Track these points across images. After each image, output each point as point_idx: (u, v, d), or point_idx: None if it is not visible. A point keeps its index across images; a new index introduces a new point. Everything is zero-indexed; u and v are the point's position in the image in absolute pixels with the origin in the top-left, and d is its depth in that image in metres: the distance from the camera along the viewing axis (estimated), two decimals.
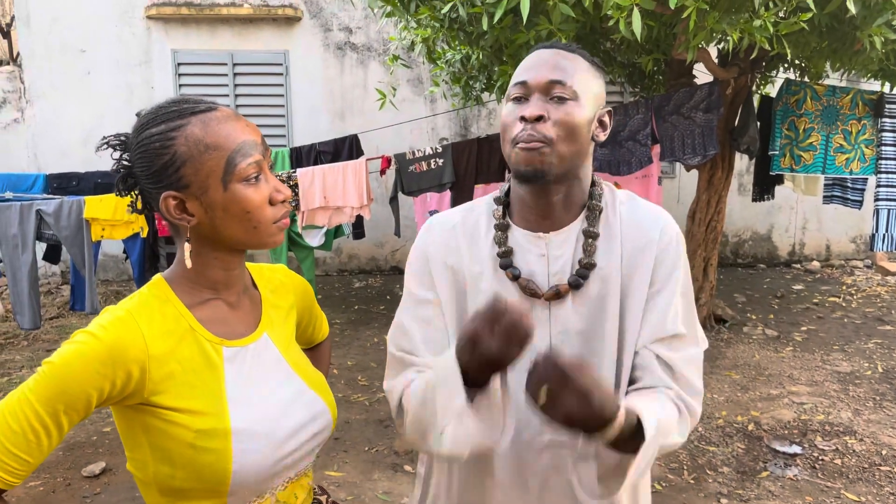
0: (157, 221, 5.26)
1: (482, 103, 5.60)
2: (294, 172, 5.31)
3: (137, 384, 1.02)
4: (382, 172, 5.44)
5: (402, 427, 1.21)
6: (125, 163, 1.09)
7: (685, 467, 3.61)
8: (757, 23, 3.19)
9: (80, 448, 3.95)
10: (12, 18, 8.28)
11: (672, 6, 2.81)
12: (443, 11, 3.36)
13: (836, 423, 4.08)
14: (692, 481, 3.47)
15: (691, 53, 3.50)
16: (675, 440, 1.16)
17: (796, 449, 3.76)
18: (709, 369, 4.99)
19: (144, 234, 5.24)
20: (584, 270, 1.20)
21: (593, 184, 1.27)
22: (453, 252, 1.29)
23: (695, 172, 6.00)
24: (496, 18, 3.08)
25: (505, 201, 1.30)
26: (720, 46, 5.46)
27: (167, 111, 1.05)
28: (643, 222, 1.24)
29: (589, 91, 1.18)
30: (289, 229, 5.73)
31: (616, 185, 5.92)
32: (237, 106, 7.82)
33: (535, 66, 1.19)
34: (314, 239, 5.72)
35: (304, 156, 5.85)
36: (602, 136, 1.22)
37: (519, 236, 1.25)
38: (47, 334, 6.11)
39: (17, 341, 5.98)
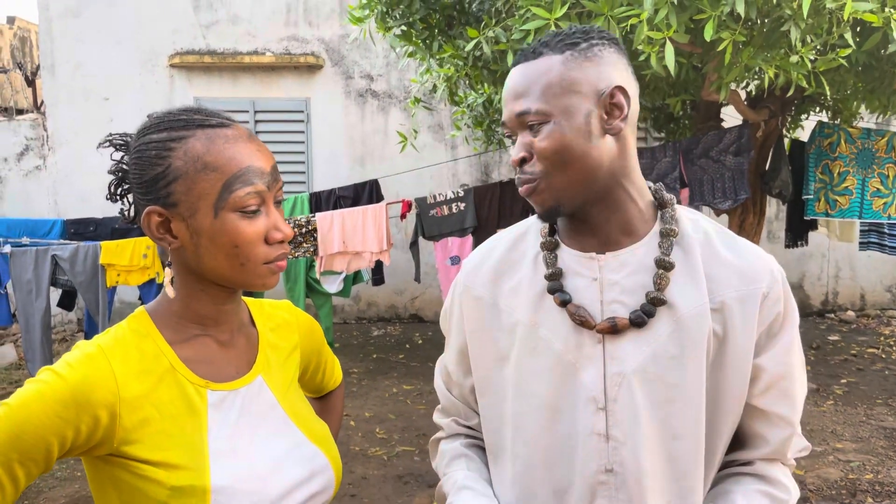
0: None
1: (504, 147, 5.49)
2: (313, 217, 5.21)
3: (106, 431, 0.89)
4: (403, 217, 5.32)
5: (433, 460, 1.25)
6: (123, 166, 0.99)
7: None
8: (794, 59, 3.06)
9: (85, 502, 3.76)
10: (37, 67, 8.41)
11: (707, 38, 2.68)
12: (466, 49, 3.27)
13: (886, 483, 3.81)
14: None
15: (724, 92, 3.37)
16: None
17: None
18: None
19: (160, 280, 5.14)
20: (650, 307, 1.00)
21: (662, 203, 1.08)
22: (486, 284, 1.14)
23: (724, 217, 5.82)
24: None
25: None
26: (749, 90, 5.36)
27: (174, 118, 0.95)
28: (745, 266, 1.03)
29: (567, 91, 0.98)
30: (307, 275, 5.61)
31: None
32: None
33: (504, 99, 1.05)
34: (332, 285, 5.58)
35: (323, 201, 5.75)
36: (620, 123, 1.00)
37: (569, 257, 1.07)
38: None
39: None
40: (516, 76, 1.02)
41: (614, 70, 1.01)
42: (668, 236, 1.03)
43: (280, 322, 1.15)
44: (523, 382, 1.07)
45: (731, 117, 5.43)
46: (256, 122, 7.79)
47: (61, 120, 7.78)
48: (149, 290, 5.20)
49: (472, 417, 1.21)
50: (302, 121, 7.88)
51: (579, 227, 1.07)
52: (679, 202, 5.17)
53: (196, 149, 0.91)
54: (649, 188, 1.10)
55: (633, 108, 1.02)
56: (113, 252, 4.98)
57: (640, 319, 1.00)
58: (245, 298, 1.12)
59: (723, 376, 1.02)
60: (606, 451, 1.01)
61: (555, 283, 1.06)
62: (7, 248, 4.99)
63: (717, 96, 3.94)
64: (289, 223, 5.18)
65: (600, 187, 1.01)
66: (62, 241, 5.84)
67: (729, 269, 1.03)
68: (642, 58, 2.92)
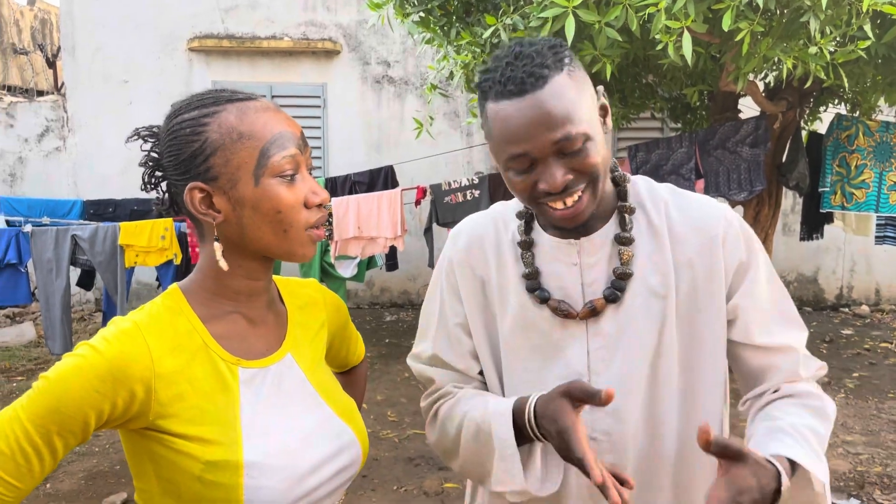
0: (190, 249, 5.23)
1: None
2: (329, 202, 5.26)
3: (142, 405, 0.90)
4: (417, 203, 5.35)
5: (430, 427, 1.22)
6: (154, 154, 1.00)
7: None
8: (812, 50, 3.05)
9: (102, 477, 3.85)
10: (58, 49, 8.49)
11: (725, 27, 2.68)
12: (484, 36, 3.28)
13: (895, 476, 3.81)
14: None
15: (741, 83, 3.36)
16: (825, 441, 1.05)
17: (854, 502, 3.50)
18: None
19: (178, 262, 5.21)
20: (620, 282, 1.08)
21: (617, 181, 1.13)
22: (481, 264, 1.19)
23: (740, 209, 5.81)
24: None
25: (528, 213, 1.17)
26: (767, 81, 5.33)
27: (203, 97, 0.97)
28: (699, 219, 1.10)
29: (587, 108, 1.00)
30: (322, 259, 5.66)
31: None
32: None
33: (526, 132, 0.98)
34: (347, 270, 5.63)
35: (339, 186, 5.80)
36: (609, 122, 1.08)
37: (547, 244, 1.13)
38: None
39: (48, 366, 5.94)
40: (534, 108, 0.97)
41: (586, 74, 1.06)
42: (624, 213, 1.11)
43: (308, 300, 1.16)
44: (513, 359, 1.14)
45: (748, 108, 5.40)
46: None
47: (81, 102, 7.85)
48: (166, 270, 5.27)
49: (465, 378, 1.22)
50: (319, 106, 7.91)
51: None
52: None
53: (229, 120, 0.93)
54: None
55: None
56: (131, 233, 5.05)
57: (613, 296, 1.08)
58: (274, 277, 1.13)
59: (698, 323, 1.09)
60: (590, 421, 1.09)
61: (532, 282, 1.12)
62: (28, 228, 5.08)
63: (734, 87, 3.94)
64: None
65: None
66: (82, 221, 5.93)
67: (686, 227, 1.10)
68: (659, 47, 2.92)
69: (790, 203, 8.06)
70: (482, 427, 1.08)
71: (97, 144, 7.83)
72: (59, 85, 8.77)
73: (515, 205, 1.21)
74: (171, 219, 5.22)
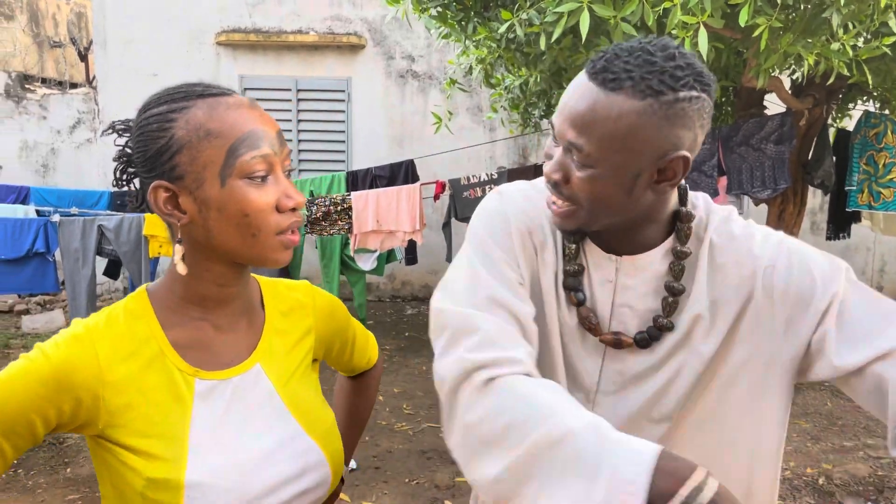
0: None
1: (541, 130, 5.48)
2: (348, 195, 5.29)
3: (89, 413, 0.88)
4: (436, 197, 5.36)
5: (478, 395, 0.87)
6: (127, 149, 0.95)
7: None
8: (835, 46, 3.00)
9: None
10: (90, 42, 8.65)
11: (742, 23, 2.64)
12: (499, 32, 3.27)
13: None
14: None
15: (762, 79, 3.31)
16: None
17: None
18: None
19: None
20: (655, 331, 0.99)
21: (681, 217, 1.00)
22: (538, 228, 1.04)
23: (764, 207, 5.72)
24: (554, 37, 2.97)
25: None
26: (794, 77, 5.24)
27: (174, 91, 0.91)
28: (740, 253, 0.99)
29: (626, 148, 0.87)
30: (342, 252, 5.70)
31: None
32: (300, 130, 7.92)
33: (563, 106, 0.92)
34: (366, 263, 5.67)
35: (360, 179, 5.83)
36: (666, 187, 0.92)
37: (591, 254, 1.03)
38: None
39: None
40: (586, 97, 0.89)
41: (689, 132, 0.89)
42: (679, 258, 0.99)
43: (293, 304, 1.09)
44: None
45: (774, 104, 5.31)
46: (299, 100, 7.89)
47: (112, 94, 8.00)
48: None
49: (528, 349, 0.95)
50: (343, 100, 7.96)
51: (597, 231, 1.02)
52: (717, 191, 5.11)
53: (198, 117, 0.88)
54: (679, 190, 1.03)
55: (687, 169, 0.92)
56: (155, 224, 5.13)
57: (644, 342, 0.99)
58: (261, 278, 1.09)
59: (728, 379, 0.99)
60: None
61: (573, 280, 1.03)
62: (56, 217, 5.19)
63: (757, 83, 3.88)
64: (324, 201, 5.28)
65: (630, 221, 0.98)
66: (109, 211, 6.04)
67: (729, 260, 1.00)
68: (676, 42, 2.89)
69: (819, 201, 7.92)
70: (586, 448, 0.77)
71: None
72: (91, 78, 8.93)
73: None
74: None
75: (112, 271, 6.06)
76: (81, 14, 12.98)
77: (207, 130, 0.88)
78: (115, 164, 0.97)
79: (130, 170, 0.96)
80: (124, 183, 0.96)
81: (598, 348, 1.02)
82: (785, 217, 5.42)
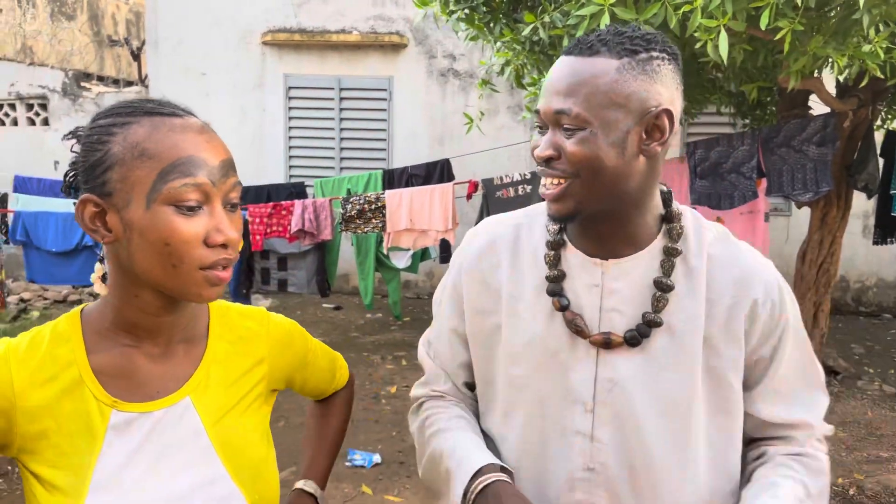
0: (251, 236, 5.44)
1: None
2: (382, 194, 5.37)
3: (4, 436, 0.86)
4: (469, 197, 5.40)
5: (413, 416, 1.24)
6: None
7: None
8: (866, 48, 2.92)
9: None
10: (143, 42, 8.94)
11: (763, 26, 2.60)
12: (523, 34, 3.29)
13: None
14: None
15: (794, 80, 3.25)
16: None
17: None
18: None
19: (239, 248, 5.44)
20: (646, 328, 1.02)
21: (669, 217, 1.05)
22: (492, 270, 1.13)
23: (806, 210, 5.59)
24: None
25: None
26: (841, 77, 5.10)
27: (124, 105, 0.88)
28: (741, 276, 1.04)
29: (613, 103, 0.93)
30: (377, 250, 5.78)
31: (719, 219, 5.61)
32: (342, 129, 8.05)
33: (547, 88, 0.98)
34: (401, 261, 5.74)
35: (396, 178, 5.90)
36: (657, 146, 0.97)
37: (573, 259, 1.06)
38: None
39: None
40: (565, 68, 0.96)
41: (666, 90, 0.97)
42: (670, 255, 1.03)
43: (244, 333, 1.04)
44: (517, 373, 1.08)
45: (820, 105, 5.18)
46: (341, 99, 8.01)
47: (162, 93, 8.23)
48: None
49: (450, 385, 1.21)
50: (385, 99, 8.04)
51: (585, 232, 1.06)
52: (756, 192, 5.01)
53: (137, 135, 0.84)
54: (662, 195, 1.07)
55: (674, 131, 0.98)
56: None
57: (634, 340, 1.02)
58: (214, 304, 1.04)
59: (724, 378, 1.04)
60: (590, 450, 1.04)
61: (555, 286, 1.06)
62: None
63: (794, 83, 3.80)
64: (359, 199, 5.36)
65: (621, 203, 1.00)
66: None
67: (726, 275, 1.04)
68: (698, 45, 2.86)
69: (871, 205, 7.67)
70: (445, 465, 1.07)
71: None
72: (143, 77, 9.24)
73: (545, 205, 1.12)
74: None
75: None
76: (140, 14, 13.42)
77: (143, 150, 0.84)
78: (67, 170, 0.94)
79: (75, 178, 0.92)
80: (72, 191, 0.92)
81: (590, 355, 1.04)
82: (828, 220, 5.29)
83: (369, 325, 7.08)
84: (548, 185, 0.99)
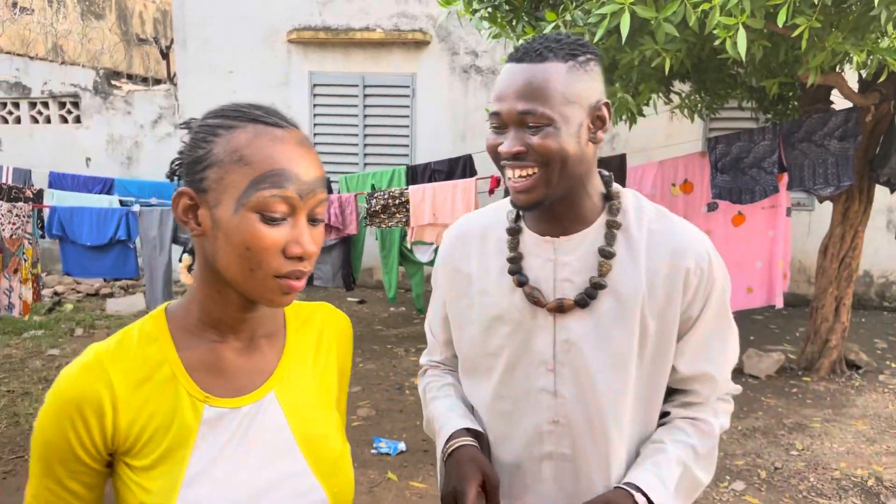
0: None
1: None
2: (406, 189, 5.47)
3: (107, 440, 0.90)
4: (491, 192, 5.48)
5: (420, 378, 1.47)
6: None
7: None
8: (884, 43, 2.97)
9: None
10: (171, 41, 9.12)
11: (780, 24, 2.66)
12: (545, 32, 3.36)
13: None
14: None
15: (813, 76, 3.29)
16: (701, 481, 1.22)
17: None
18: (832, 416, 4.61)
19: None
20: (593, 290, 1.17)
21: (609, 195, 1.22)
22: (462, 259, 1.31)
23: (828, 204, 5.59)
24: (597, 37, 3.04)
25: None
26: (863, 72, 5.10)
27: (234, 108, 0.92)
28: (675, 245, 1.18)
29: (568, 101, 1.09)
30: (401, 244, 5.89)
31: (740, 213, 5.64)
32: (366, 125, 8.16)
33: (505, 93, 1.11)
34: (424, 255, 5.84)
35: (419, 174, 6.00)
36: (602, 135, 1.14)
37: (528, 240, 1.23)
38: None
39: None
40: (521, 74, 1.09)
41: (600, 85, 1.14)
42: (612, 227, 1.19)
43: (317, 327, 1.08)
44: (489, 343, 1.25)
45: (842, 100, 5.19)
46: (365, 96, 8.13)
47: (190, 91, 8.43)
48: None
49: (446, 355, 1.44)
50: (408, 96, 8.14)
51: (541, 216, 1.21)
52: (777, 187, 5.04)
53: (239, 140, 0.88)
54: (602, 177, 1.23)
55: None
56: None
57: (583, 301, 1.17)
58: None
59: (662, 336, 1.19)
60: (554, 405, 1.21)
61: (514, 265, 1.22)
62: (136, 208, 5.57)
63: (813, 79, 3.83)
64: (383, 194, 5.47)
65: (574, 186, 1.15)
66: None
67: (663, 248, 1.18)
68: (717, 42, 2.92)
69: (895, 200, 7.63)
70: (435, 427, 1.32)
71: None
72: (172, 75, 9.42)
73: (508, 200, 1.29)
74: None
75: None
76: (166, 12, 13.64)
77: (241, 156, 0.87)
78: (174, 158, 1.00)
79: (179, 167, 0.98)
80: (175, 178, 0.98)
81: (549, 322, 1.20)
82: (850, 215, 5.30)
83: (393, 318, 7.19)
84: (515, 178, 1.12)
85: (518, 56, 1.12)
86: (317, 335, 1.07)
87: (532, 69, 1.09)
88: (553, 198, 1.14)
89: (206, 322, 0.95)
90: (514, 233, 1.24)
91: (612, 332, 1.17)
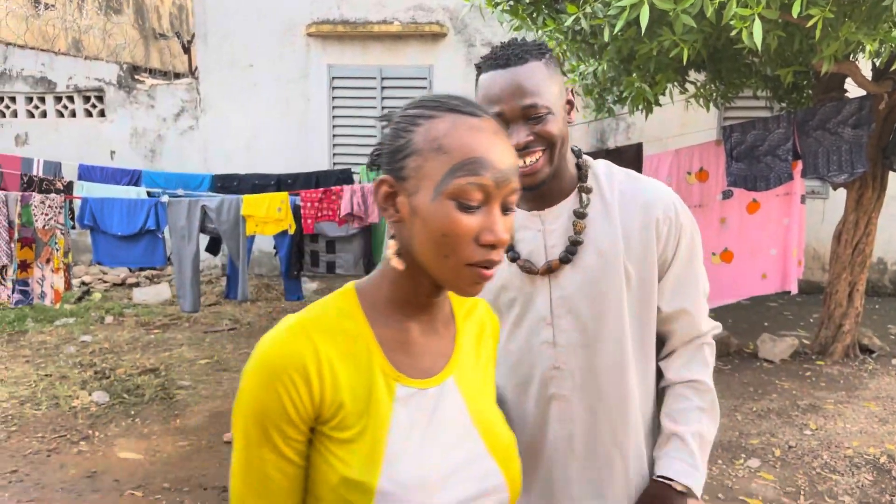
0: (303, 220, 5.72)
1: (614, 115, 5.62)
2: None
3: (313, 408, 0.90)
4: None
5: None
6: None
7: (802, 492, 3.47)
8: (895, 32, 3.07)
9: (224, 416, 4.41)
10: (192, 36, 9.27)
11: (794, 14, 2.76)
12: (566, 24, 3.48)
13: None
14: None
15: (827, 64, 3.39)
16: (712, 433, 1.42)
17: None
18: (846, 398, 4.72)
19: (292, 231, 5.72)
20: (572, 247, 1.36)
21: (580, 166, 1.41)
22: None
23: (842, 191, 5.67)
24: (617, 29, 3.16)
25: None
26: (876, 61, 5.17)
27: (433, 99, 0.94)
28: (644, 200, 1.36)
29: (553, 91, 1.29)
30: None
31: (754, 201, 5.73)
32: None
33: (501, 95, 1.28)
34: None
35: None
36: (573, 116, 1.36)
37: (518, 217, 1.39)
38: (206, 318, 6.80)
39: (180, 322, 6.70)
40: (512, 76, 1.28)
41: (561, 76, 1.36)
42: (582, 192, 1.38)
43: (480, 320, 1.11)
44: (500, 310, 1.42)
45: (856, 88, 5.27)
46: (383, 88, 8.26)
47: (212, 84, 8.60)
48: (282, 240, 5.80)
49: None
50: (425, 87, 8.27)
51: (530, 194, 1.37)
52: (791, 175, 5.13)
53: (437, 129, 0.90)
54: (573, 152, 1.42)
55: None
56: (252, 205, 5.60)
57: (566, 258, 1.36)
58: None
59: (645, 284, 1.37)
60: (554, 354, 1.39)
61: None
62: (165, 198, 5.74)
63: (827, 67, 3.93)
64: None
65: (560, 162, 1.34)
66: (210, 193, 6.58)
67: (634, 204, 1.36)
68: (734, 33, 3.03)
69: None
70: None
71: (224, 124, 8.56)
72: (193, 69, 9.59)
73: None
74: (286, 193, 5.74)
75: (212, 248, 6.61)
76: (182, 7, 13.82)
77: (440, 144, 0.89)
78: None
79: (379, 157, 1.00)
80: (375, 167, 1.00)
81: (545, 283, 1.38)
82: (863, 202, 5.39)
83: None
84: (526, 165, 1.29)
85: (501, 63, 1.29)
86: (478, 328, 1.10)
87: (520, 71, 1.28)
88: (552, 175, 1.33)
89: (396, 302, 0.97)
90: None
91: (601, 284, 1.34)
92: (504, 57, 1.29)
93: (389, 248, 0.94)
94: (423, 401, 0.95)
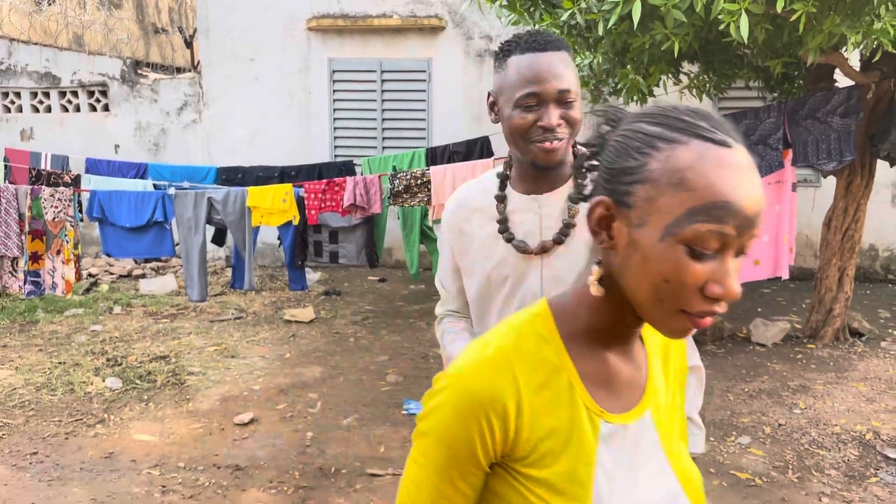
0: (307, 211, 5.87)
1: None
2: (427, 170, 5.75)
3: (507, 443, 0.85)
4: None
5: (437, 326, 1.74)
6: (603, 140, 0.87)
7: (790, 467, 3.63)
8: (878, 25, 3.21)
9: (233, 400, 4.56)
10: (195, 30, 9.39)
11: (778, 9, 2.91)
12: (562, 19, 3.62)
13: None
14: (795, 480, 3.50)
15: (812, 56, 3.54)
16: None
17: None
18: (835, 379, 4.88)
19: (296, 222, 5.87)
20: (565, 230, 1.46)
21: (576, 154, 1.50)
22: (465, 223, 1.59)
23: (831, 179, 5.83)
24: (610, 24, 3.30)
25: (504, 175, 1.54)
26: (859, 52, 5.31)
27: (678, 118, 0.81)
28: None
29: (576, 81, 1.40)
30: (422, 222, 6.18)
31: None
32: (384, 110, 8.43)
33: (541, 76, 1.37)
34: None
35: (438, 155, 6.28)
36: (582, 101, 1.49)
37: (517, 199, 1.50)
38: (212, 308, 6.94)
39: (187, 312, 6.84)
40: (551, 59, 1.38)
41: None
42: (578, 178, 1.46)
43: (667, 341, 1.00)
44: (493, 285, 1.53)
45: (845, 78, 5.41)
46: (383, 81, 8.39)
47: (214, 78, 8.72)
48: (286, 230, 5.95)
49: (458, 303, 1.71)
50: (424, 80, 8.40)
51: (530, 177, 1.48)
52: (782, 163, 5.28)
53: (682, 159, 0.77)
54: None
55: None
56: (257, 196, 5.74)
57: (559, 239, 1.46)
58: None
59: None
60: None
61: (502, 226, 1.50)
62: (172, 191, 5.88)
63: (813, 59, 4.07)
64: (406, 175, 5.75)
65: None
66: (216, 185, 6.72)
67: None
68: (722, 27, 3.17)
69: None
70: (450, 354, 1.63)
71: (227, 117, 8.69)
72: (196, 63, 9.71)
73: (494, 171, 1.60)
74: (290, 184, 5.88)
75: (218, 239, 6.76)
76: (181, 1, 13.90)
77: (682, 179, 0.76)
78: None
79: (594, 162, 0.90)
80: (584, 170, 0.92)
81: (537, 263, 1.47)
82: (852, 189, 5.54)
83: (412, 295, 7.50)
84: (553, 145, 1.39)
85: (541, 46, 1.40)
86: (663, 340, 1.00)
87: (557, 56, 1.39)
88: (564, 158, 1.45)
89: (596, 331, 0.89)
90: (501, 199, 1.52)
91: (590, 265, 1.50)
92: (542, 42, 1.40)
93: (593, 273, 0.87)
94: (625, 438, 0.88)
